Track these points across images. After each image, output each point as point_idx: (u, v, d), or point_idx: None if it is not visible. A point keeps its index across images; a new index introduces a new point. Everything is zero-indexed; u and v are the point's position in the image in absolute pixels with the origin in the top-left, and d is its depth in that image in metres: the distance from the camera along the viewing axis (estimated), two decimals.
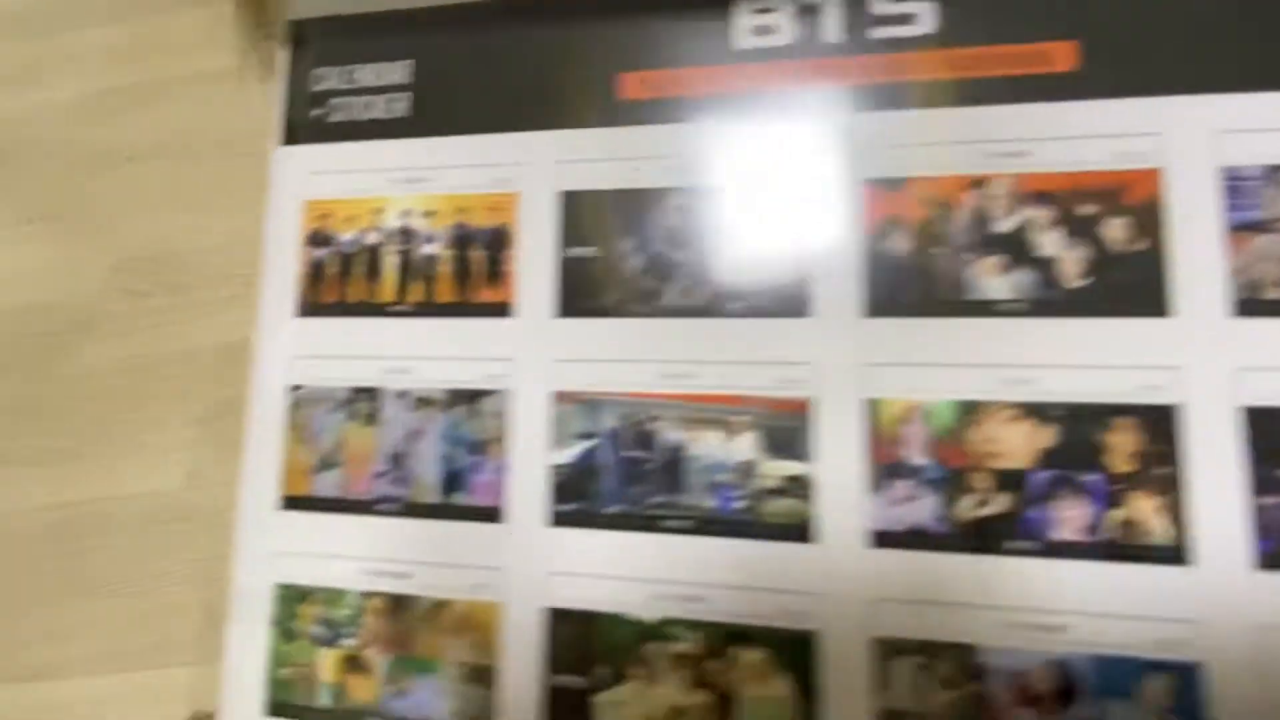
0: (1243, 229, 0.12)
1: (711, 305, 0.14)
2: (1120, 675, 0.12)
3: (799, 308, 0.14)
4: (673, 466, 0.14)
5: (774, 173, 0.14)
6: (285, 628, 0.15)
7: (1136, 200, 0.13)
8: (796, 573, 0.13)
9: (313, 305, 0.16)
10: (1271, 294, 0.12)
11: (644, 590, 0.14)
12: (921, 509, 0.13)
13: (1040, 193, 0.13)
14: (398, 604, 0.15)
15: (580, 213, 0.15)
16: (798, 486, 0.13)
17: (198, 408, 0.68)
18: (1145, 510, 0.12)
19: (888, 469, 0.13)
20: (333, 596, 0.15)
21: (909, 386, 0.13)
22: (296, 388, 0.16)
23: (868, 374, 0.13)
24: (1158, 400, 0.12)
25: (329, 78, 0.16)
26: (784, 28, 0.14)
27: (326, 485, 0.15)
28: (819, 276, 0.14)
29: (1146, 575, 0.12)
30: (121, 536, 0.54)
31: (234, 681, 0.15)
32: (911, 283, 0.13)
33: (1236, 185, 0.13)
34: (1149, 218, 0.13)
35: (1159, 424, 0.12)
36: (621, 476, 0.14)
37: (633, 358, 0.14)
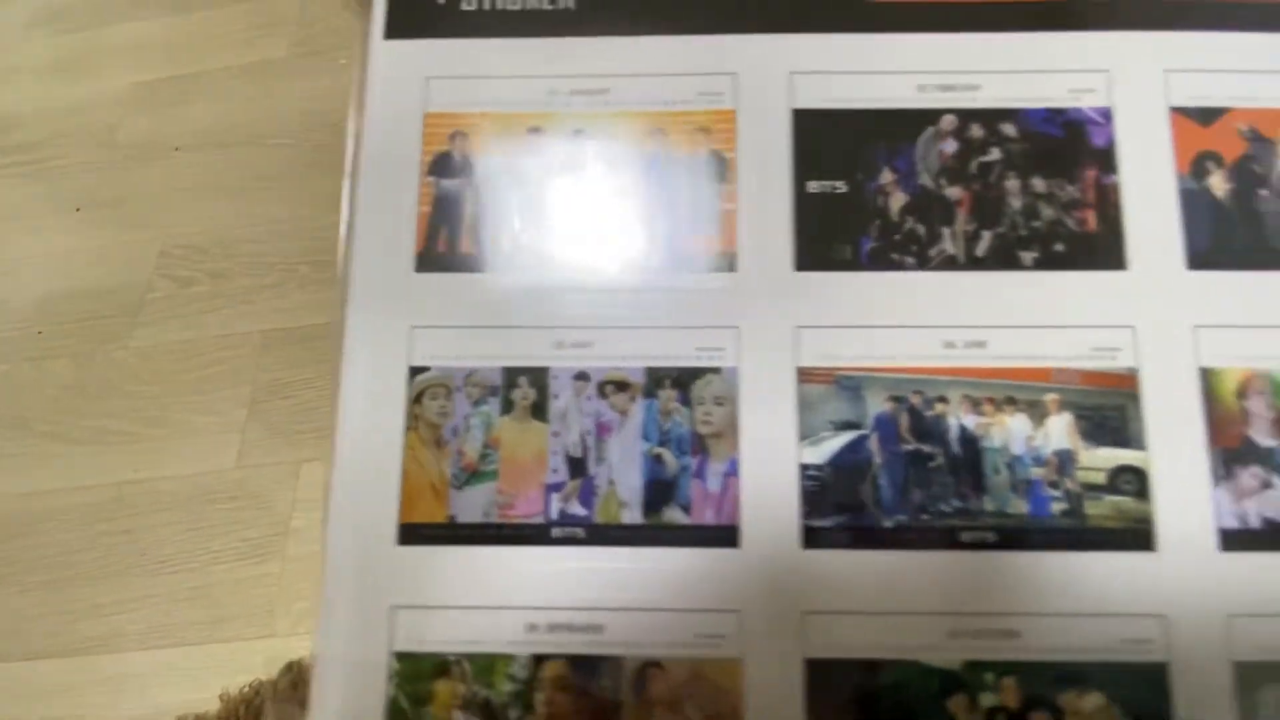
0: None
1: (994, 254, 0.11)
2: None
3: (1107, 258, 0.11)
4: (967, 461, 0.11)
5: (1054, 95, 0.12)
6: (414, 710, 0.10)
7: None
8: (1135, 589, 0.10)
9: (437, 256, 0.11)
10: None
11: (940, 626, 0.10)
12: (1277, 499, 0.11)
13: None
14: (587, 671, 0.10)
15: (821, 136, 0.12)
16: (1129, 480, 0.11)
17: (245, 390, 0.64)
18: None
19: (1232, 453, 0.11)
20: (486, 666, 0.10)
21: (1249, 352, 0.11)
22: (421, 369, 0.11)
23: (1200, 338, 0.11)
24: None
25: None
26: None
27: (472, 506, 0.11)
28: (1128, 224, 0.11)
29: None
30: (175, 515, 0.57)
31: None
32: (1238, 226, 0.11)
33: None
34: None
35: None
36: (899, 477, 0.11)
37: (905, 322, 0.11)
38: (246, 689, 0.44)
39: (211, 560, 0.55)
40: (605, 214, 0.12)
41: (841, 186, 0.12)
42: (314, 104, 0.75)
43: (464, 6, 0.12)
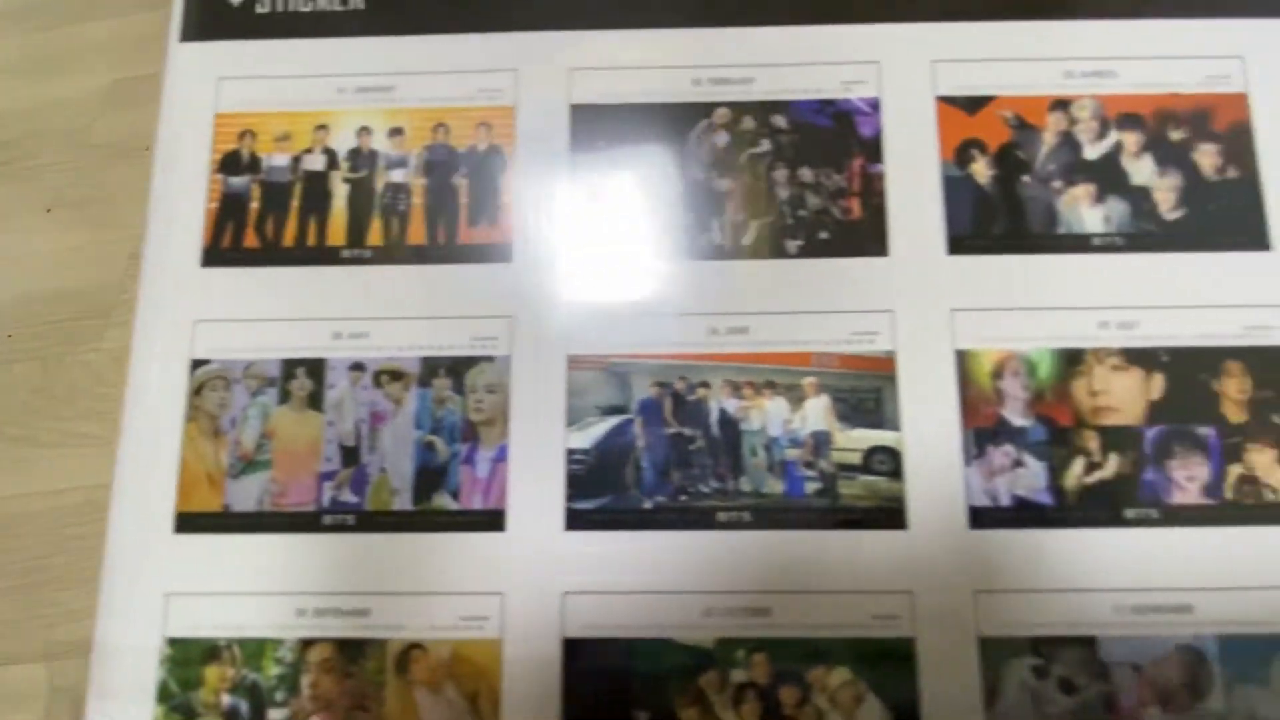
0: None
1: (762, 243, 0.12)
2: (1251, 656, 0.10)
3: (869, 245, 0.11)
4: (726, 444, 0.11)
5: (825, 87, 0.12)
6: (181, 702, 0.11)
7: (1224, 126, 0.12)
8: (885, 566, 0.11)
9: (225, 252, 0.12)
10: None
11: (695, 605, 0.11)
12: (1029, 477, 0.11)
13: (1134, 116, 0.12)
14: (349, 652, 0.11)
15: (598, 129, 0.12)
16: (883, 460, 0.11)
17: None
18: (1264, 464, 0.11)
19: (985, 432, 0.11)
20: (255, 650, 0.11)
21: (1002, 333, 0.11)
22: (201, 363, 0.11)
23: (955, 321, 0.11)
24: (1268, 341, 0.11)
25: None
26: None
27: (246, 495, 0.11)
28: (891, 210, 0.12)
29: (1273, 538, 0.11)
30: None
31: None
32: (997, 212, 0.12)
33: None
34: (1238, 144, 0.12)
35: (1270, 361, 0.11)
36: (660, 460, 0.11)
37: (671, 311, 0.11)
38: None
39: None
40: (387, 207, 0.12)
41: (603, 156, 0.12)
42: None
43: (258, 9, 0.12)
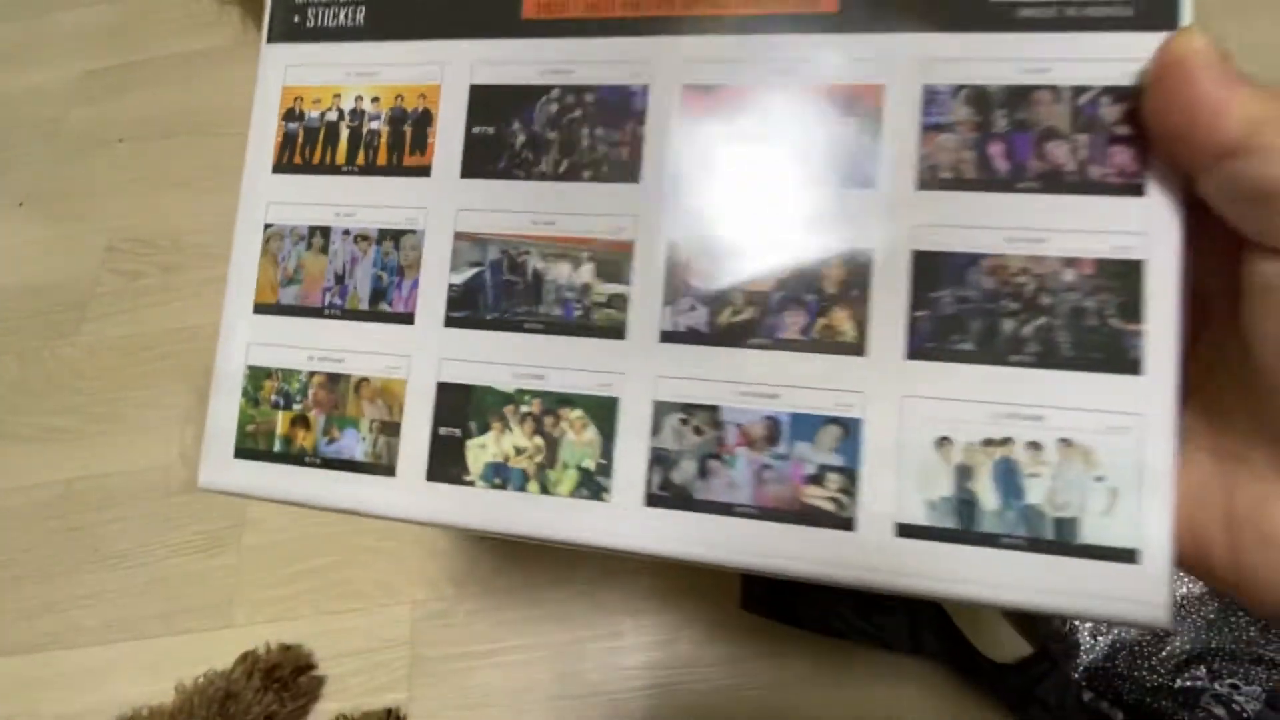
0: (932, 129, 0.18)
1: (568, 172, 0.19)
2: (808, 426, 0.17)
3: (631, 175, 0.19)
4: (535, 287, 0.19)
5: (618, 78, 0.19)
6: (252, 397, 0.21)
7: (871, 105, 0.18)
8: (610, 359, 0.19)
9: (285, 165, 0.21)
10: (945, 175, 0.18)
11: (507, 371, 0.19)
12: (697, 316, 0.18)
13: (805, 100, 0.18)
14: (333, 380, 0.20)
15: (485, 101, 0.20)
16: (618, 301, 0.19)
17: (198, 383, 0.61)
18: (841, 319, 0.18)
19: (678, 289, 0.18)
20: (288, 375, 0.20)
21: (699, 234, 0.18)
22: (269, 225, 0.21)
23: (673, 226, 0.19)
24: (859, 246, 0.18)
25: None
26: None
27: (289, 296, 0.21)
28: (645, 155, 0.19)
29: (834, 362, 0.17)
30: (127, 510, 0.57)
31: (213, 435, 0.21)
32: (700, 164, 0.19)
33: (934, 99, 0.18)
34: (873, 119, 0.18)
35: (856, 262, 0.18)
36: (498, 293, 0.20)
37: (513, 209, 0.20)
38: (201, 679, 0.45)
39: (168, 554, 0.53)
40: (366, 143, 0.21)
41: (491, 130, 0.20)
42: (254, 93, 0.77)
43: (307, 25, 0.21)
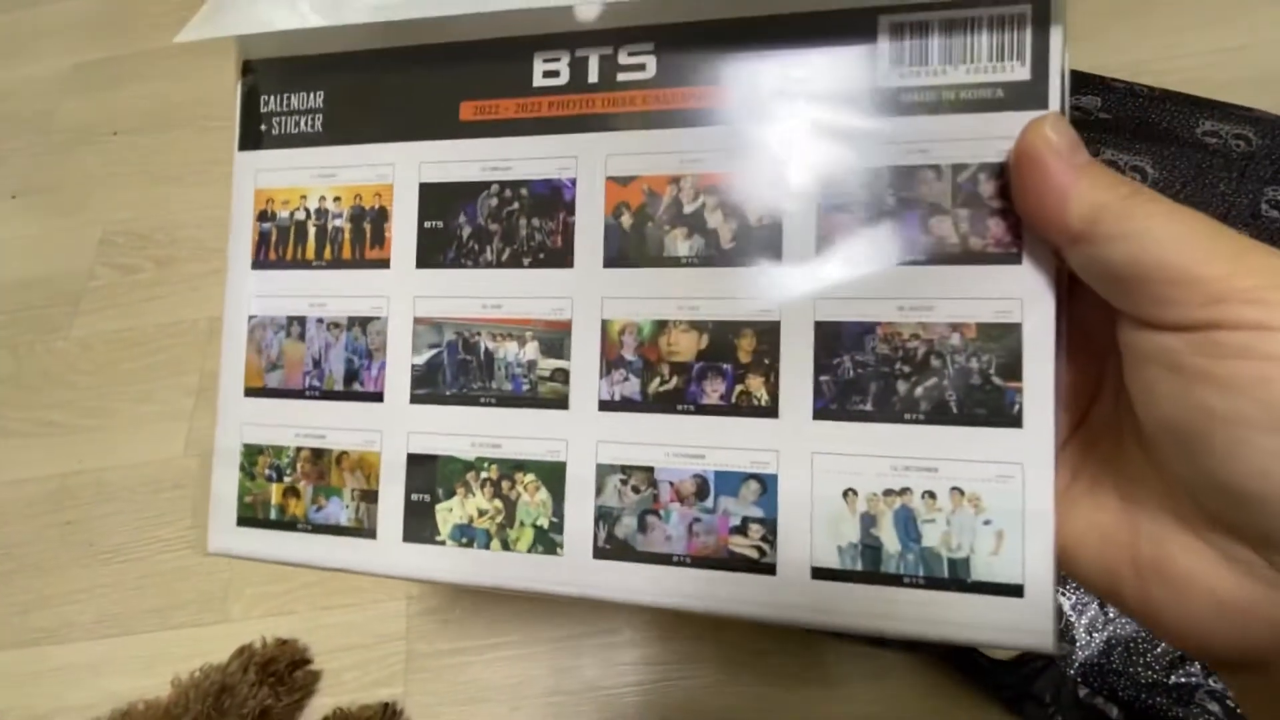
0: (831, 210, 0.20)
1: (510, 260, 0.22)
2: (731, 482, 0.19)
3: (565, 262, 0.21)
4: (487, 365, 0.22)
5: (548, 172, 0.21)
6: (248, 471, 0.23)
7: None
8: (556, 428, 0.21)
9: (262, 261, 0.24)
10: (840, 248, 0.19)
11: (467, 441, 0.22)
12: (631, 387, 0.20)
13: (712, 186, 0.20)
14: (317, 454, 0.23)
15: (433, 198, 0.22)
16: (560, 375, 0.21)
17: (192, 379, 0.61)
18: (756, 385, 0.20)
19: (612, 363, 0.21)
20: (278, 450, 0.23)
21: (628, 312, 0.21)
22: (253, 316, 0.23)
23: (604, 304, 0.21)
24: (768, 319, 0.20)
25: (271, 102, 0.24)
26: (562, 73, 0.21)
27: (274, 380, 0.23)
28: (577, 243, 0.21)
29: (751, 424, 0.19)
30: (121, 505, 0.57)
31: (217, 504, 0.23)
32: (632, 244, 0.21)
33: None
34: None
35: (766, 334, 0.20)
36: (455, 371, 0.22)
37: (464, 295, 0.22)
38: (197, 673, 0.45)
39: (161, 549, 0.53)
40: (331, 238, 0.23)
41: (441, 224, 0.22)
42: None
43: (273, 132, 0.23)
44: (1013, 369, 0.18)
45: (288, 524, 0.23)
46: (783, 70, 0.20)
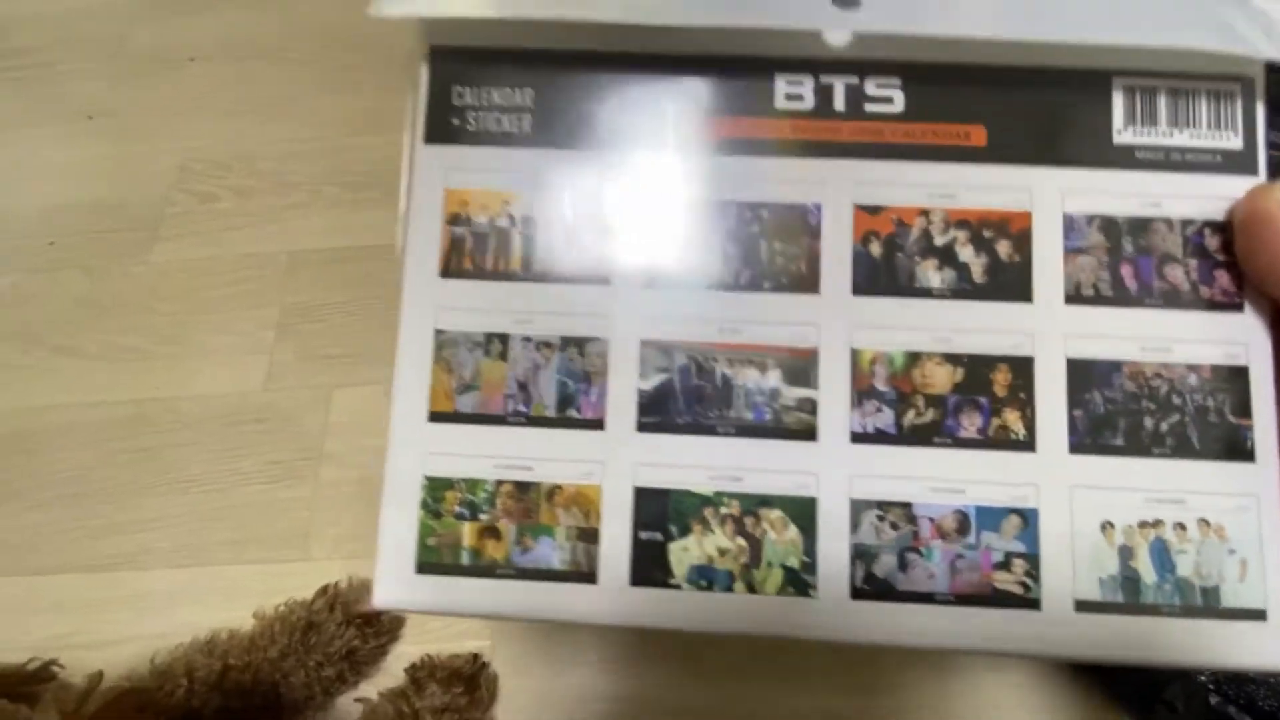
0: (1073, 252, 0.21)
1: (750, 283, 0.21)
2: (993, 517, 0.20)
3: (811, 287, 0.20)
4: (724, 392, 0.20)
5: (792, 195, 0.21)
6: (433, 509, 0.20)
7: (1022, 228, 0.21)
8: (804, 460, 0.20)
9: (454, 270, 0.21)
10: (1087, 291, 0.20)
11: (703, 474, 0.20)
12: (884, 419, 0.20)
13: (964, 220, 0.21)
14: (522, 488, 0.20)
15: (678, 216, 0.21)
16: (807, 405, 0.20)
17: (272, 312, 0.60)
18: (1012, 419, 0.20)
19: (863, 393, 0.20)
20: (472, 484, 0.20)
21: (878, 341, 0.20)
22: (441, 331, 0.21)
23: (854, 333, 0.20)
24: (1021, 354, 0.20)
25: (466, 95, 0.21)
26: (806, 97, 0.21)
27: (467, 404, 0.20)
28: (824, 269, 0.21)
29: (1009, 457, 0.20)
30: (199, 434, 0.55)
31: (389, 550, 0.20)
32: (882, 273, 0.20)
33: (1071, 225, 0.21)
34: (1024, 241, 0.21)
35: (1020, 368, 0.20)
36: (688, 398, 0.20)
37: (698, 317, 0.21)
38: (282, 607, 0.45)
39: (240, 481, 0.52)
40: (540, 250, 0.21)
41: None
42: (335, 19, 0.68)
43: (467, 127, 0.21)
44: (1244, 407, 0.20)
45: (484, 569, 0.20)
46: (1033, 113, 0.21)
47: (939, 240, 0.21)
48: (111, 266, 0.62)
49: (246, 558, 0.50)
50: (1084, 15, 0.20)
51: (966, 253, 0.21)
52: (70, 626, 0.49)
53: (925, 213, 0.21)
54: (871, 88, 0.21)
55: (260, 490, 0.52)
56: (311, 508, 0.51)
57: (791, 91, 0.21)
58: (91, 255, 0.62)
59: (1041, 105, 0.21)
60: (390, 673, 0.46)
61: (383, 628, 0.45)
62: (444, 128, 0.22)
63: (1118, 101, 0.21)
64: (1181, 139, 0.21)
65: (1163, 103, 0.21)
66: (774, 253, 0.21)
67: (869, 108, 0.21)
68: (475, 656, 0.44)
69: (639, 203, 0.21)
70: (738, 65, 0.21)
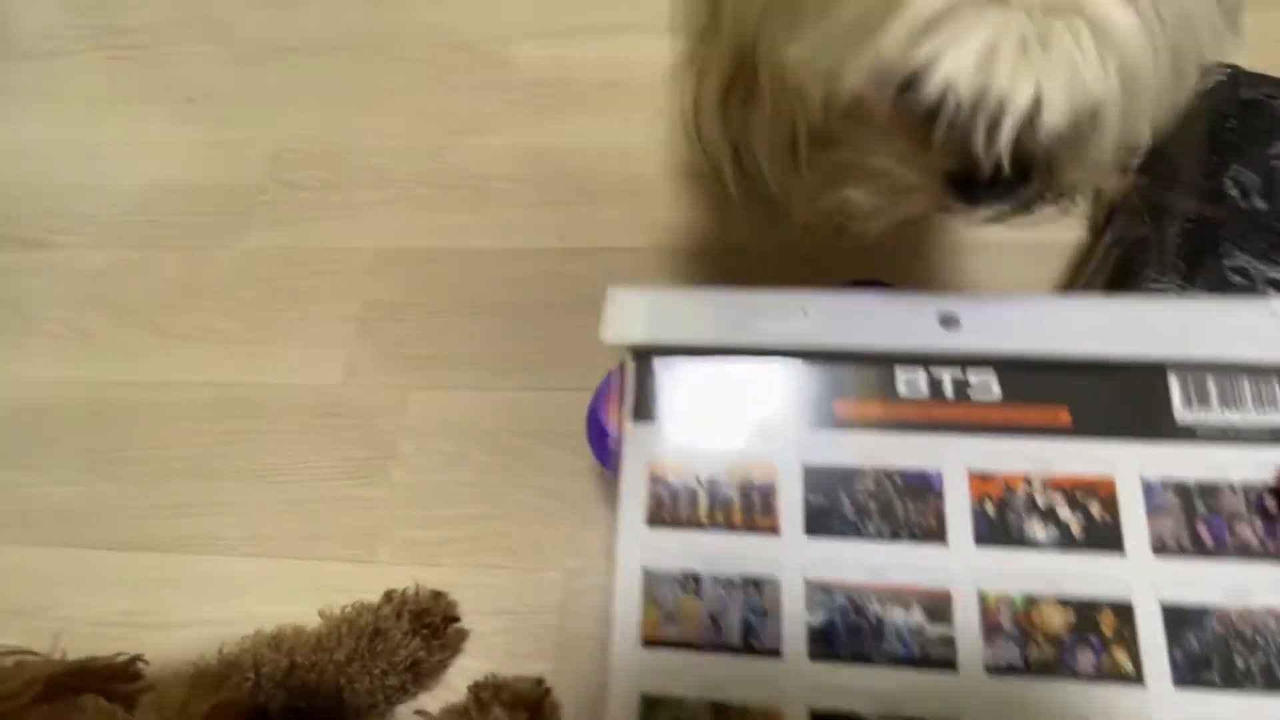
0: (1154, 512, 0.26)
1: (890, 535, 0.26)
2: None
3: (939, 539, 0.26)
4: (877, 628, 0.25)
5: (917, 464, 0.27)
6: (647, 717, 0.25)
7: (1104, 494, 0.26)
8: (946, 691, 0.24)
9: (657, 520, 0.27)
10: (1170, 545, 0.25)
11: (866, 699, 0.25)
12: (1012, 653, 0.25)
13: (1059, 485, 0.26)
14: (719, 709, 0.25)
15: (817, 478, 0.27)
16: (946, 640, 0.25)
17: (353, 307, 0.60)
18: (1121, 656, 0.24)
19: (992, 630, 0.25)
20: (678, 703, 0.25)
21: (1001, 586, 0.25)
22: (648, 570, 0.27)
23: (979, 578, 0.25)
24: (1121, 599, 0.25)
25: (663, 382, 0.29)
26: (920, 385, 0.28)
27: (671, 633, 0.26)
28: (949, 524, 0.26)
29: (1122, 691, 0.24)
30: (276, 423, 0.55)
31: None
32: (996, 528, 0.26)
33: (1150, 490, 0.26)
34: (1111, 503, 0.26)
35: (1122, 611, 0.25)
36: (848, 632, 0.25)
37: (851, 563, 0.26)
38: (349, 609, 0.44)
39: (312, 475, 0.52)
40: (724, 507, 0.27)
41: (825, 501, 0.27)
42: (437, 18, 0.68)
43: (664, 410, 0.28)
44: None
45: None
46: (1106, 396, 0.27)
47: (1041, 502, 0.26)
48: (203, 249, 0.62)
49: (313, 553, 0.49)
50: (1143, 333, 0.27)
51: (1064, 512, 0.26)
52: (137, 604, 0.49)
53: (1027, 479, 0.27)
54: (972, 377, 0.28)
55: (331, 486, 0.51)
56: (380, 509, 0.50)
57: (908, 379, 0.28)
58: (185, 236, 0.63)
59: (1114, 390, 0.27)
60: (451, 686, 0.45)
61: (447, 640, 0.45)
62: (647, 409, 0.29)
63: (1175, 387, 0.27)
64: (1233, 417, 0.27)
65: (1212, 387, 0.27)
66: (907, 510, 0.27)
67: (972, 394, 0.28)
68: (539, 681, 0.43)
69: (794, 469, 0.28)
70: (865, 359, 0.29)
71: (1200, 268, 0.44)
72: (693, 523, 0.27)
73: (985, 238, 0.55)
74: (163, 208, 0.66)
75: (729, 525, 0.27)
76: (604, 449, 0.36)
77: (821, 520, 0.27)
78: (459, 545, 0.48)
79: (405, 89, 0.68)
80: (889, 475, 0.27)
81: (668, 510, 0.28)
